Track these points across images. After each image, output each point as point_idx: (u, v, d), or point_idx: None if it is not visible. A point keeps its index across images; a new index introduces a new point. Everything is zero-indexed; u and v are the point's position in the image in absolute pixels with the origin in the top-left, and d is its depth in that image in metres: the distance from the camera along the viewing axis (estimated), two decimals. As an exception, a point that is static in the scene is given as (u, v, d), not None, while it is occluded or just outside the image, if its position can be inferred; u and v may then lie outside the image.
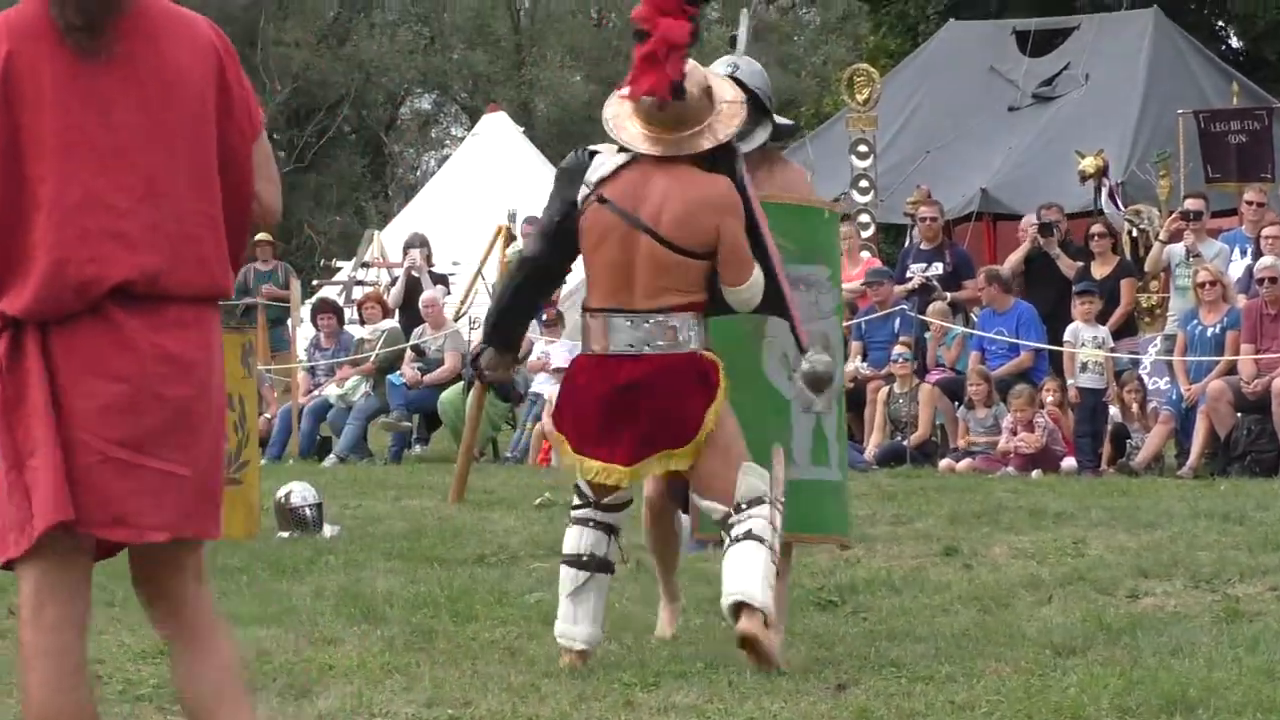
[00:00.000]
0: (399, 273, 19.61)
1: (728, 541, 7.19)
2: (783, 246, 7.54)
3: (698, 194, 7.05)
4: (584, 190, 7.16)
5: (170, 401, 3.93)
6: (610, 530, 7.45)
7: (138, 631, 7.44)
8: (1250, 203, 17.32)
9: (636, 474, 7.36)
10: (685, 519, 9.07)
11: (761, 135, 7.62)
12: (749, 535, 7.18)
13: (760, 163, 7.71)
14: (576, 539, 7.42)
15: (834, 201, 10.51)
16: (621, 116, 7.21)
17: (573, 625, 7.35)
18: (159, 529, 4.03)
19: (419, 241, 19.41)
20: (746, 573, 7.11)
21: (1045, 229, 16.86)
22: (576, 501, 7.53)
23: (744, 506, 7.18)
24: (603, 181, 7.14)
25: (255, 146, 4.17)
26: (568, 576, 7.38)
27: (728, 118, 7.17)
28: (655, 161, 7.08)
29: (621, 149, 7.22)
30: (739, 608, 6.97)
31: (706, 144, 7.04)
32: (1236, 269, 16.56)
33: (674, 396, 7.25)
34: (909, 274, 17.19)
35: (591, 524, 7.45)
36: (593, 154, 7.32)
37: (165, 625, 4.31)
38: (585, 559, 7.38)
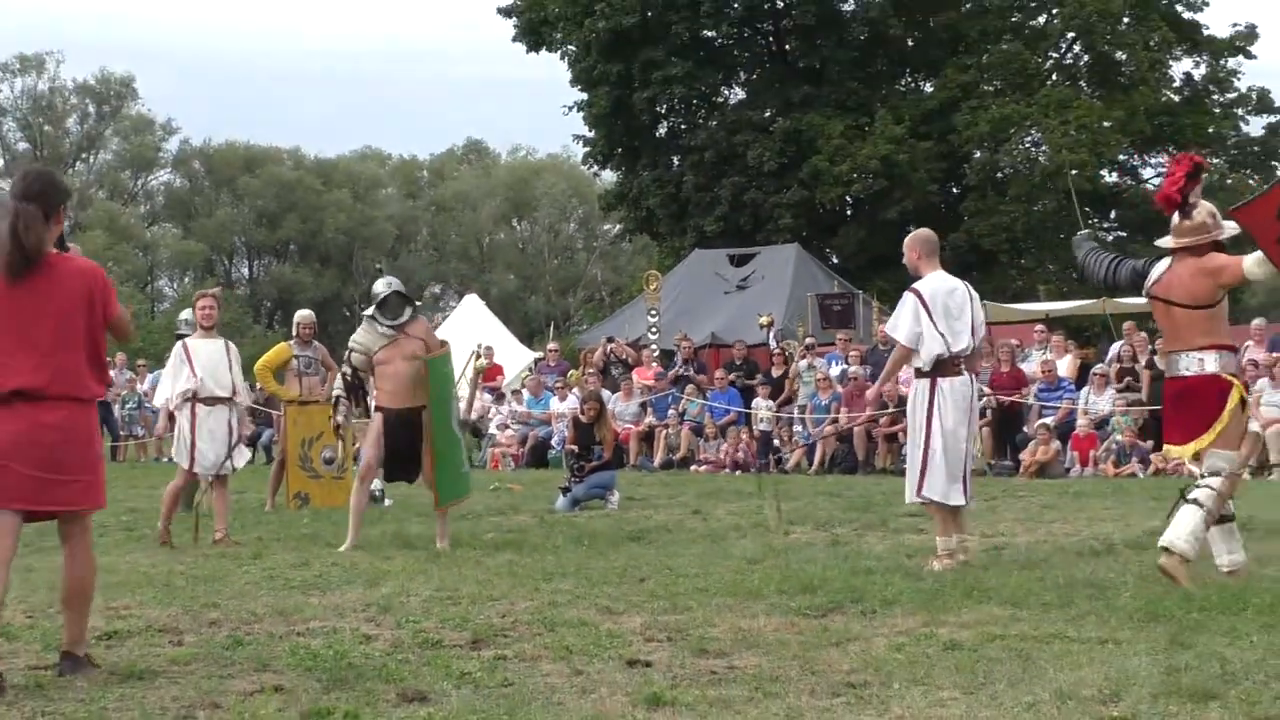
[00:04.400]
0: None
1: (1181, 498, 9.41)
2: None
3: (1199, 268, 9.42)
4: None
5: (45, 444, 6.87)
6: (1197, 502, 9.36)
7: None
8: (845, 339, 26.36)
9: (1186, 452, 9.57)
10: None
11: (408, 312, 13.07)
12: (1194, 500, 9.27)
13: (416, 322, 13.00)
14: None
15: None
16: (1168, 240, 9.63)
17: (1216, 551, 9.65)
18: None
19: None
20: (1180, 528, 9.26)
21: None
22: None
23: (1205, 475, 9.38)
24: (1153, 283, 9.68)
25: (112, 321, 7.19)
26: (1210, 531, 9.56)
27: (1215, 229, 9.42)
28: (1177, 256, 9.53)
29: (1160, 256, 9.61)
30: (1165, 550, 9.24)
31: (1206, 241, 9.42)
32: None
33: (1199, 403, 9.38)
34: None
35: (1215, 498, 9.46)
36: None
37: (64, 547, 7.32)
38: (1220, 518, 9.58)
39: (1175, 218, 9.38)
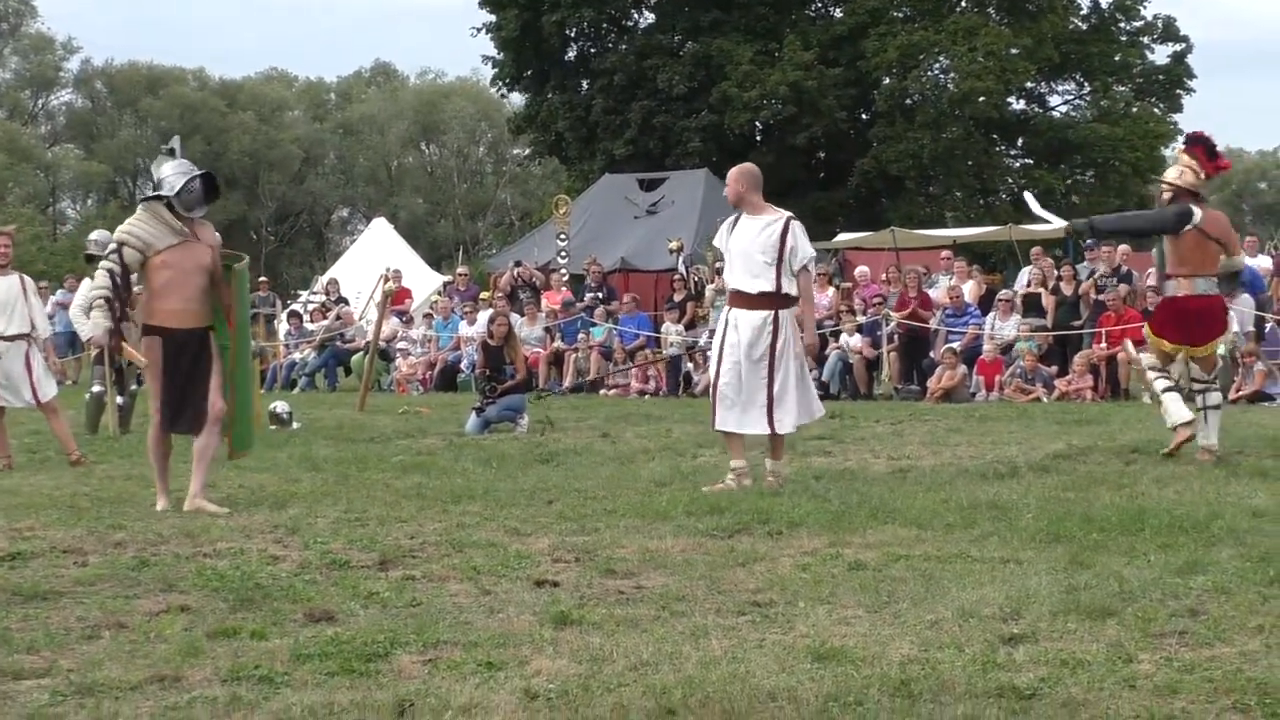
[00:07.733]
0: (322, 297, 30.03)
1: (1201, 405, 12.16)
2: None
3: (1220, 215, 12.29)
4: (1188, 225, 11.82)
5: None
6: (1173, 382, 12.28)
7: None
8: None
9: (1190, 353, 12.10)
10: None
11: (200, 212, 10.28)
12: (1216, 406, 12.15)
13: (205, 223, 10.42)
14: (1159, 383, 12.26)
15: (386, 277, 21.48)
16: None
17: (1181, 412, 12.09)
18: None
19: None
20: (1214, 430, 12.09)
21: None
22: (1159, 375, 12.36)
23: (1211, 380, 12.24)
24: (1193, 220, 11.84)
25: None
26: (1169, 397, 12.12)
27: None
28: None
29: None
30: (1208, 450, 11.93)
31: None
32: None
33: (1212, 320, 11.99)
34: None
35: (1163, 378, 12.26)
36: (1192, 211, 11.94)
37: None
38: (1173, 388, 12.22)
39: (1203, 175, 12.07)
